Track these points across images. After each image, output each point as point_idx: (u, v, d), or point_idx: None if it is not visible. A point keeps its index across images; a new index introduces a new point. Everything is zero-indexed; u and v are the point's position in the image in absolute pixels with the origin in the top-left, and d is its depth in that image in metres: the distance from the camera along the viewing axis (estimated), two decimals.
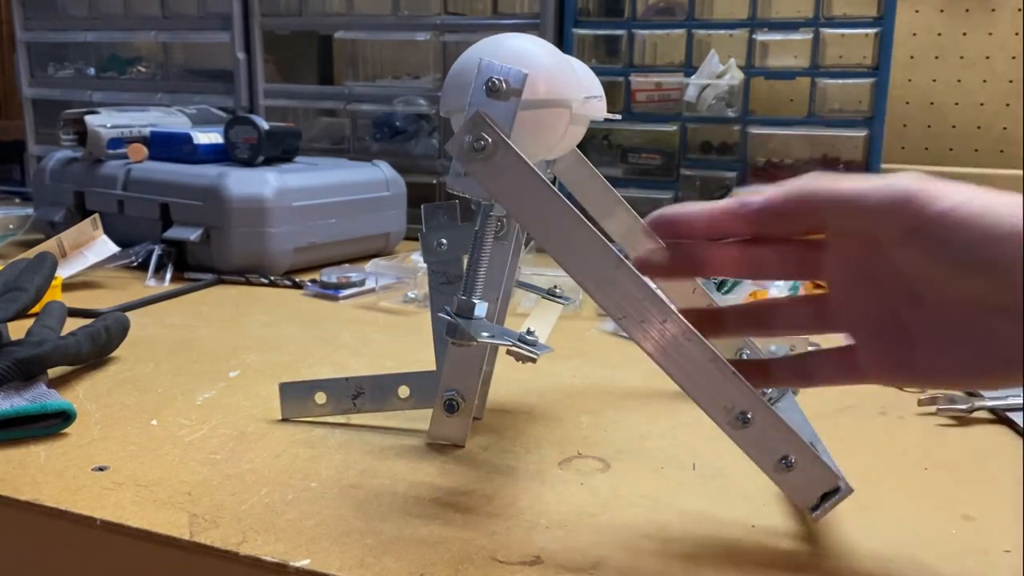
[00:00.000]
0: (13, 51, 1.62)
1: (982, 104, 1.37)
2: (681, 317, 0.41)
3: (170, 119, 1.20)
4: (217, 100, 1.39)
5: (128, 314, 0.73)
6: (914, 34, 1.38)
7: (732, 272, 0.43)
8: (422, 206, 0.55)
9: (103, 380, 0.65)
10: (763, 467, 0.41)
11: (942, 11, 1.37)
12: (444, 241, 0.54)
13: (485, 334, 0.44)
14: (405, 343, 0.78)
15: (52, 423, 0.54)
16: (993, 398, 0.62)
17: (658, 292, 0.41)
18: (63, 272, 0.92)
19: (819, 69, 1.14)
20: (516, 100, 0.41)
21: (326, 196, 1.07)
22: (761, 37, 1.16)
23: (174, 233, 1.01)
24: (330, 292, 0.95)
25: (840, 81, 1.14)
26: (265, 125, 1.09)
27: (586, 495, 0.48)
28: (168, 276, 0.98)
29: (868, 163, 1.14)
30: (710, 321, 0.44)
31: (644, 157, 1.24)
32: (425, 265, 0.55)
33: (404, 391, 0.56)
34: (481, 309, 0.46)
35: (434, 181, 1.31)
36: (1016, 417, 0.60)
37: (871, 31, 1.11)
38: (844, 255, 0.40)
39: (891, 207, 0.36)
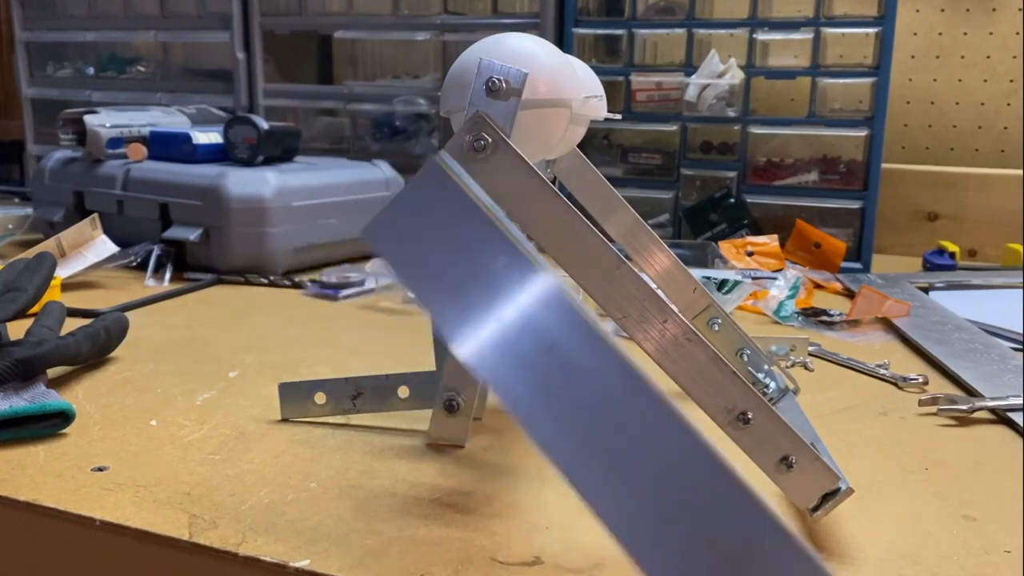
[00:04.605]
0: (12, 51, 1.62)
1: (983, 104, 1.37)
2: (682, 317, 0.40)
3: (169, 119, 1.20)
4: (217, 100, 1.39)
5: (128, 314, 0.73)
6: (915, 34, 1.38)
7: None
8: None
9: (103, 380, 0.65)
10: (763, 467, 0.41)
11: (943, 11, 1.37)
12: None
13: None
14: (405, 343, 0.77)
15: (51, 423, 0.54)
16: (993, 398, 0.62)
17: (658, 292, 0.41)
18: (62, 272, 0.92)
19: (819, 69, 1.14)
20: (516, 100, 0.41)
21: (326, 196, 1.07)
22: (761, 37, 1.16)
23: (173, 233, 1.01)
24: (330, 292, 0.94)
25: (840, 81, 1.14)
26: (265, 125, 1.09)
27: None
28: (167, 276, 0.98)
29: (868, 163, 1.14)
30: None
31: (644, 157, 1.24)
32: None
33: (404, 391, 0.56)
34: None
35: None
36: (1016, 417, 0.60)
37: (871, 31, 1.11)
38: None
39: None
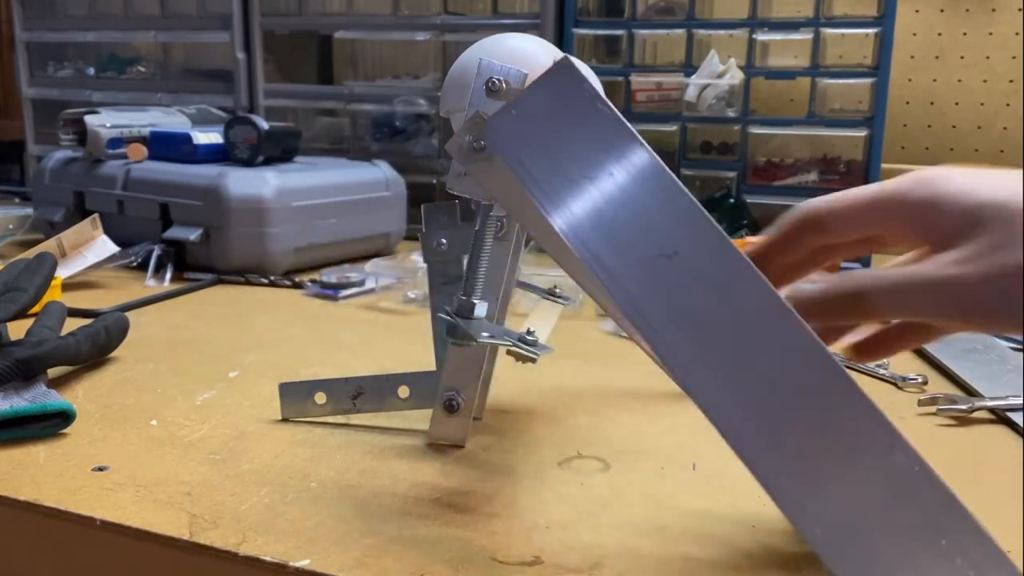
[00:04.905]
0: (13, 51, 1.62)
1: (982, 104, 1.37)
2: None
3: (170, 119, 1.20)
4: (217, 100, 1.39)
5: (128, 314, 0.73)
6: (914, 34, 1.38)
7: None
8: (422, 206, 0.55)
9: (103, 380, 0.65)
10: None
11: (942, 11, 1.37)
12: (444, 241, 0.54)
13: (485, 334, 0.44)
14: (405, 343, 0.78)
15: (52, 423, 0.54)
16: (993, 398, 0.62)
17: None
18: (63, 272, 0.92)
19: (819, 69, 1.14)
20: None
21: (326, 196, 1.07)
22: (761, 37, 1.16)
23: (174, 233, 1.01)
24: (330, 292, 0.95)
25: (840, 81, 1.14)
26: (265, 125, 1.09)
27: (586, 495, 0.48)
28: (168, 276, 0.98)
29: (868, 163, 1.14)
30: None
31: None
32: (425, 265, 0.55)
33: (404, 391, 0.56)
34: (481, 309, 0.46)
35: (434, 181, 1.31)
36: (1016, 417, 0.60)
37: (871, 31, 1.11)
38: None
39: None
